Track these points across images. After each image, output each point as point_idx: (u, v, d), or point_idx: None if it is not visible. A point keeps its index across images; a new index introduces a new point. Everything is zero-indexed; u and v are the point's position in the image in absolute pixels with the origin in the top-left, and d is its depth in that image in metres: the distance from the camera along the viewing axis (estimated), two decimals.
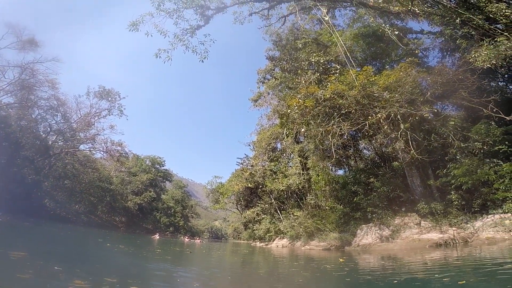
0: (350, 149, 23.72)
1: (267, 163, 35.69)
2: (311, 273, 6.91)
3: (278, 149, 38.40)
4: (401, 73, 14.12)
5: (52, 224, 18.70)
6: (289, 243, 23.95)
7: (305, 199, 27.76)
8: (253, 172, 35.77)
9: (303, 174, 29.04)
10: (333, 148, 15.36)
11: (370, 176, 17.90)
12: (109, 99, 34.99)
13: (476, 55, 11.45)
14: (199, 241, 31.03)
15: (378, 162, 22.11)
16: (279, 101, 32.59)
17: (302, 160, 29.97)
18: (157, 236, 25.78)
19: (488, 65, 11.03)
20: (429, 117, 14.40)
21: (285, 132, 32.37)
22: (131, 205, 47.11)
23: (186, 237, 40.26)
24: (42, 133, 32.05)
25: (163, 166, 58.98)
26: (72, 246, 7.99)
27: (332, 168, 24.58)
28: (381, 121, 14.22)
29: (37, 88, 27.98)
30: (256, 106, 39.16)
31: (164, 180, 59.51)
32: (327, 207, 21.49)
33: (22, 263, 3.68)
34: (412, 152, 12.72)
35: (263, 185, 33.77)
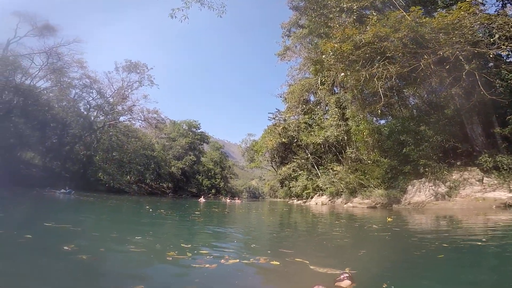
0: (394, 97, 20.69)
1: (300, 116, 33.78)
2: (355, 233, 6.19)
3: (312, 101, 35.94)
4: (462, 12, 11.69)
5: (111, 197, 19.83)
6: (329, 200, 23.18)
7: (345, 153, 26.03)
8: (286, 126, 34.28)
9: (341, 125, 26.87)
10: (380, 91, 13.65)
11: (421, 124, 15.37)
12: (138, 71, 36.01)
13: None
14: (239, 201, 31.97)
15: (427, 110, 18.96)
16: (309, 52, 29.86)
17: (339, 110, 27.52)
18: (202, 199, 26.93)
19: None
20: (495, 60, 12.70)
21: (319, 80, 29.62)
22: (175, 170, 50.04)
23: (228, 198, 42.08)
24: (83, 111, 33.95)
25: (199, 129, 60.29)
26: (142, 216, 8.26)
27: (373, 119, 22.01)
28: (432, 66, 12.74)
29: (67, 69, 28.77)
30: (284, 59, 36.35)
31: (202, 143, 61.24)
32: (369, 161, 19.72)
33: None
34: (482, 92, 10.92)
35: (298, 139, 32.36)
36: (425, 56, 12.47)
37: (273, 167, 41.88)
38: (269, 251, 3.62)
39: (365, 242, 5.02)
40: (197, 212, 10.86)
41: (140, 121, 37.91)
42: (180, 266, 2.71)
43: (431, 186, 12.36)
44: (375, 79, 13.49)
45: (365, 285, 2.29)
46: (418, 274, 2.72)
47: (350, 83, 18.47)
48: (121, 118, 37.48)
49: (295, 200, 32.88)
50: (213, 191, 60.71)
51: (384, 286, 2.20)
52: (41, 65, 26.82)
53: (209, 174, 61.85)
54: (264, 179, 74.48)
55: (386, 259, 3.51)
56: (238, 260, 2.91)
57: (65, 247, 2.92)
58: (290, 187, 33.61)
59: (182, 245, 3.67)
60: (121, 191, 32.06)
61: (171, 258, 2.87)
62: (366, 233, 6.07)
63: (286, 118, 35.77)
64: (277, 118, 38.16)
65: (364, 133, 20.39)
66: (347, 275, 2.18)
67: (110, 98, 35.34)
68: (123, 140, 37.20)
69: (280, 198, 48.85)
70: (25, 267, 2.32)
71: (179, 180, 52.38)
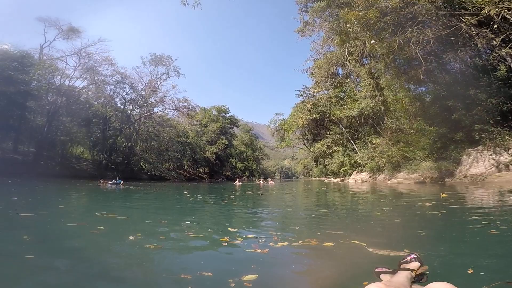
0: (433, 64, 18.74)
1: (330, 90, 32.32)
2: (406, 212, 5.60)
3: (341, 74, 34.06)
4: None
5: (154, 184, 20.72)
6: (370, 177, 22.10)
7: (383, 124, 24.50)
8: (316, 102, 33.09)
9: (376, 95, 25.18)
10: (420, 55, 12.80)
11: (469, 88, 13.72)
12: (163, 63, 37.56)
13: None
14: (272, 182, 31.96)
15: (474, 73, 16.87)
16: (330, 25, 28.09)
17: (372, 81, 25.72)
18: (238, 182, 27.44)
19: None
20: None
21: (346, 51, 27.74)
22: (209, 155, 51.83)
23: (261, 179, 42.51)
24: (120, 105, 36.19)
25: (228, 113, 61.29)
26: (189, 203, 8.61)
27: (410, 87, 20.25)
28: (473, 29, 11.93)
29: (98, 67, 30.62)
30: (305, 35, 34.50)
31: (232, 126, 62.48)
32: (412, 131, 18.31)
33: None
34: None
35: (330, 114, 31.12)
36: (466, 17, 11.49)
37: (305, 145, 41.10)
38: (318, 233, 3.46)
39: (420, 222, 4.51)
40: (232, 196, 11.07)
41: (172, 110, 40.36)
42: (235, 251, 2.73)
43: (491, 155, 10.95)
44: (411, 44, 12.76)
45: (440, 269, 2.00)
46: (504, 261, 2.32)
47: (381, 52, 17.24)
48: (155, 110, 39.93)
49: (332, 179, 32.03)
50: (246, 173, 62.08)
51: (469, 271, 1.91)
52: (75, 66, 28.85)
53: (242, 156, 63.29)
54: (296, 158, 73.41)
55: (453, 240, 3.10)
56: (287, 243, 2.83)
57: (130, 237, 3.06)
58: (326, 165, 32.80)
59: (229, 229, 3.73)
60: (162, 178, 33.98)
61: (226, 244, 2.92)
62: (419, 211, 5.47)
63: (314, 94, 34.49)
64: (305, 94, 36.93)
65: (404, 102, 18.84)
66: (415, 256, 1.93)
67: (142, 91, 37.25)
68: (159, 130, 39.21)
69: (315, 177, 47.99)
70: (109, 258, 2.53)
71: (214, 164, 54.29)
